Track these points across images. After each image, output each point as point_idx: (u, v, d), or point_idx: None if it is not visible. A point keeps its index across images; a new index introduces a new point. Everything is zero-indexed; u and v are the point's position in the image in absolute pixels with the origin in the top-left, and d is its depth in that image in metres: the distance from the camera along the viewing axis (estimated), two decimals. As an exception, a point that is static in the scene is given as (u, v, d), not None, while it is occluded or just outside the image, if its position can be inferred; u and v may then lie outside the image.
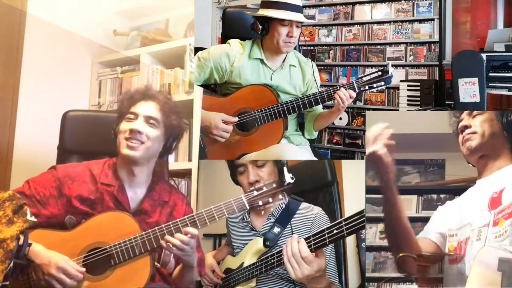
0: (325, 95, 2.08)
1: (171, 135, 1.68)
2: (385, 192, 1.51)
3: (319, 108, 2.26)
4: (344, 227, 1.49)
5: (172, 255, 1.57)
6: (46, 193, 1.58)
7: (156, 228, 1.55)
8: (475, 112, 1.59)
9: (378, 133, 1.51)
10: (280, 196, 1.59)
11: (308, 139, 2.32)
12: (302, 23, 2.14)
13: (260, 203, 1.58)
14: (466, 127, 1.58)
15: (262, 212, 1.75)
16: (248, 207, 1.59)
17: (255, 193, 1.58)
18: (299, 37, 2.20)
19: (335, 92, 2.04)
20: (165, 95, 1.70)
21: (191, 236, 1.51)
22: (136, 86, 1.71)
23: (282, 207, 1.74)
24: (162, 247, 1.52)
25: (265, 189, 1.59)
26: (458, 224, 1.53)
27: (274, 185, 1.59)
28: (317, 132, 2.33)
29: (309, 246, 1.51)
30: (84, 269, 1.50)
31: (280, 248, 1.63)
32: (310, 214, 1.72)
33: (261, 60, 2.18)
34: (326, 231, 1.49)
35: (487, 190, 1.52)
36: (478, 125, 1.57)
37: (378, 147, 1.50)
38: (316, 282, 1.50)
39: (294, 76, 2.23)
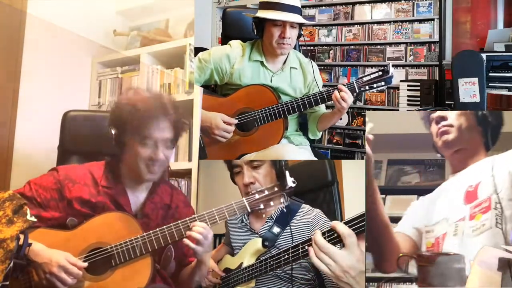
0: (325, 95, 2.08)
1: (175, 145, 1.69)
2: (367, 186, 1.51)
3: (322, 108, 2.25)
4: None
5: (172, 257, 1.57)
6: (47, 195, 1.57)
7: (157, 229, 1.55)
8: None
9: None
10: (282, 200, 1.59)
11: (309, 139, 2.32)
12: (300, 24, 2.12)
13: (262, 206, 1.58)
14: (442, 118, 1.57)
15: (263, 215, 1.74)
16: (249, 210, 1.59)
17: (257, 196, 1.59)
18: (302, 36, 2.18)
19: (333, 92, 2.03)
20: (177, 110, 1.63)
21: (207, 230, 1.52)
22: (145, 93, 1.62)
23: (281, 209, 1.74)
24: (184, 243, 1.51)
25: (266, 192, 1.59)
26: (434, 219, 1.53)
27: (276, 189, 1.59)
28: (321, 133, 2.32)
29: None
30: (86, 264, 1.50)
31: (279, 250, 1.63)
32: (309, 216, 1.71)
33: (261, 63, 2.18)
34: (326, 234, 1.47)
35: (462, 184, 1.51)
36: (455, 118, 1.55)
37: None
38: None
39: (295, 78, 2.22)
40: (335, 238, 1.36)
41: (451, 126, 1.55)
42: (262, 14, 2.08)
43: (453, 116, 1.56)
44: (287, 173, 1.62)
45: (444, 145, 1.56)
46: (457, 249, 1.44)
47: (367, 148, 1.49)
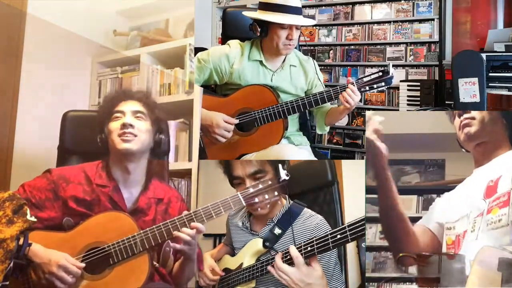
0: (325, 95, 2.08)
1: (158, 128, 1.71)
2: (379, 179, 1.51)
3: (327, 104, 2.25)
4: (348, 233, 1.49)
5: (171, 252, 1.58)
6: (41, 196, 1.59)
7: (154, 226, 1.56)
8: None
9: (369, 120, 1.52)
10: (276, 193, 1.60)
11: (309, 139, 2.32)
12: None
13: (256, 200, 1.59)
14: (464, 111, 1.56)
15: (259, 209, 1.71)
16: (244, 204, 1.60)
17: (251, 190, 1.60)
18: (299, 37, 2.19)
19: (341, 92, 2.03)
20: (144, 93, 1.74)
21: (198, 231, 1.55)
22: (115, 90, 1.79)
23: (282, 212, 1.74)
24: (173, 240, 1.54)
25: (260, 186, 1.60)
26: (455, 216, 1.52)
27: (270, 182, 1.60)
28: (329, 127, 2.31)
29: (311, 250, 1.53)
30: (84, 265, 1.51)
31: (280, 250, 1.63)
32: (311, 222, 1.70)
33: (261, 62, 2.17)
34: (329, 236, 1.50)
35: (484, 179, 1.49)
36: (478, 111, 1.54)
37: (368, 133, 1.51)
38: None
39: (295, 76, 2.22)
40: (290, 259, 1.57)
41: (473, 118, 1.53)
42: (269, 17, 2.07)
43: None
44: (280, 166, 1.63)
45: (466, 138, 1.54)
46: (475, 246, 1.42)
47: (377, 140, 1.49)
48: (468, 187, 1.55)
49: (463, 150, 1.59)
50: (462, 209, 1.51)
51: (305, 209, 1.75)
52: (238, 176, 1.74)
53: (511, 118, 1.52)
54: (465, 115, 1.54)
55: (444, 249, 1.52)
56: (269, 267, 1.57)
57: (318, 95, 2.08)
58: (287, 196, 1.75)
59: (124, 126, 1.61)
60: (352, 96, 2.01)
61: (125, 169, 1.65)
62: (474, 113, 1.54)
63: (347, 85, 2.04)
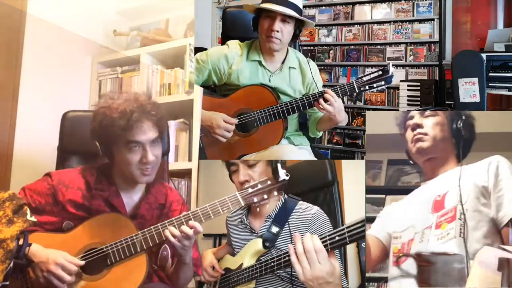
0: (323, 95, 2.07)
1: (163, 138, 1.69)
2: None
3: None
4: (347, 234, 1.43)
5: (169, 255, 1.57)
6: (41, 201, 1.58)
7: (151, 227, 1.55)
8: (427, 112, 1.61)
9: None
10: (275, 193, 1.58)
11: (309, 139, 2.32)
12: (300, 24, 2.08)
13: (255, 199, 1.57)
14: (417, 125, 1.59)
15: (258, 209, 1.70)
16: (243, 204, 1.58)
17: (250, 190, 1.58)
18: (298, 37, 2.17)
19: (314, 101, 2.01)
20: (152, 104, 1.59)
21: (195, 231, 1.51)
22: (119, 100, 1.55)
23: (279, 206, 1.74)
24: (166, 238, 1.52)
25: (259, 186, 1.58)
26: (403, 226, 1.56)
27: (269, 182, 1.58)
28: (321, 132, 2.31)
29: None
30: (83, 262, 1.50)
31: (279, 249, 1.63)
32: (307, 213, 1.71)
33: (259, 62, 2.16)
34: (327, 237, 1.45)
35: (431, 193, 1.54)
36: (430, 127, 1.58)
37: None
38: None
39: (294, 78, 2.20)
40: (288, 260, 1.45)
41: (426, 134, 1.58)
42: (262, 5, 2.04)
43: (429, 125, 1.59)
44: (279, 166, 1.61)
45: (418, 152, 1.59)
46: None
47: None
48: (415, 200, 1.59)
49: (411, 162, 1.64)
50: (409, 220, 1.55)
51: (300, 202, 1.75)
52: (234, 162, 1.77)
53: (459, 138, 1.57)
54: (419, 130, 1.59)
55: (390, 257, 1.55)
56: (290, 246, 1.40)
57: (318, 95, 2.06)
58: (283, 192, 1.75)
59: (145, 163, 1.56)
60: (331, 101, 1.97)
61: (131, 183, 1.64)
62: (427, 129, 1.58)
63: (323, 91, 2.01)
